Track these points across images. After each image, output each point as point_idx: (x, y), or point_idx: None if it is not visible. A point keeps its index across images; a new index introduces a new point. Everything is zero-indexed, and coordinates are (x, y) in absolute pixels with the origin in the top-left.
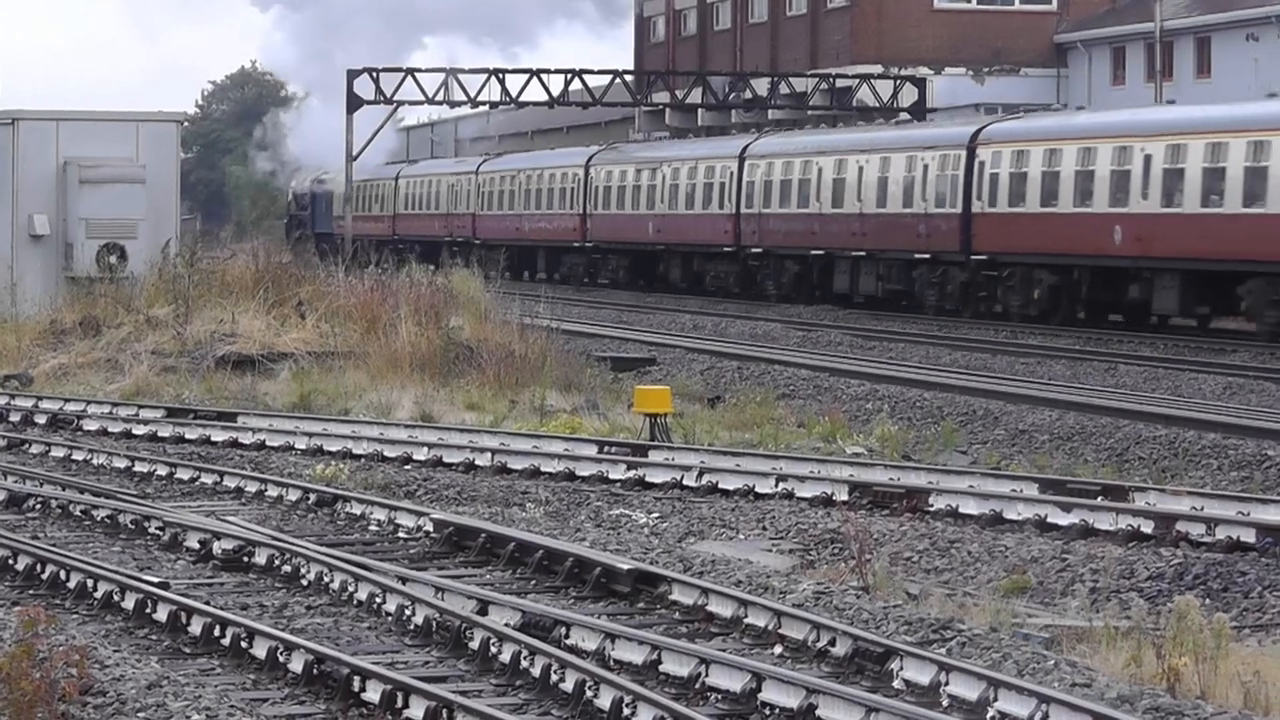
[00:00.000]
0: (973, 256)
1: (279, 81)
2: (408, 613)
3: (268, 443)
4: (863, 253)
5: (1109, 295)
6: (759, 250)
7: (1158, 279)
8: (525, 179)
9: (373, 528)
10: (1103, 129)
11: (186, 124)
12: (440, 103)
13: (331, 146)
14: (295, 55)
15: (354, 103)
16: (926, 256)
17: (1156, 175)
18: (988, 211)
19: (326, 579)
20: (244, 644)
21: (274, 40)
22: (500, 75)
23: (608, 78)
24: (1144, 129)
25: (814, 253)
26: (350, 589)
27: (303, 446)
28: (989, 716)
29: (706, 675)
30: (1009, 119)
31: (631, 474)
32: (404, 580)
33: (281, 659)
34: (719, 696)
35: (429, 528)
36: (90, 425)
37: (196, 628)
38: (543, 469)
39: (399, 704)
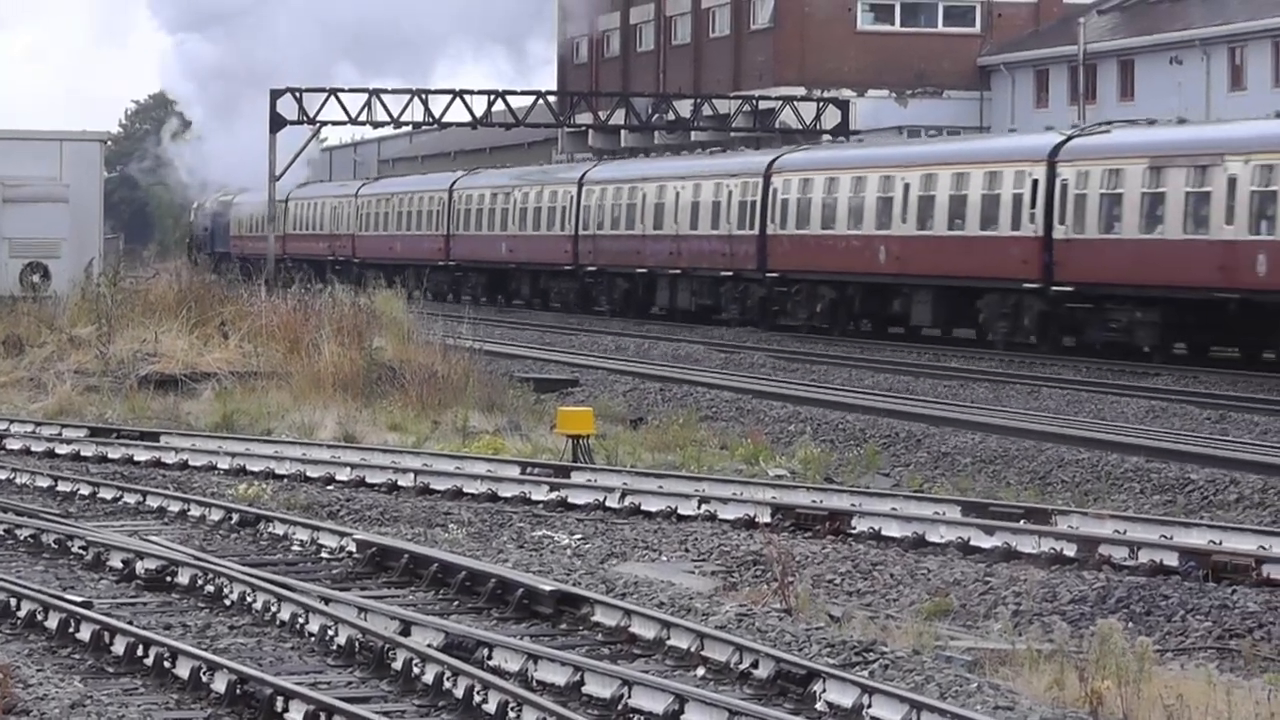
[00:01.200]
0: (767, 274)
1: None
2: (331, 633)
3: (191, 463)
4: (679, 271)
5: (877, 308)
6: (594, 269)
7: (915, 294)
8: (399, 202)
9: (295, 548)
10: (872, 160)
11: (110, 144)
12: (363, 123)
13: (229, 168)
14: (198, 79)
15: (277, 122)
16: (730, 274)
17: (913, 202)
18: (779, 233)
19: (249, 599)
20: (167, 664)
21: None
22: (423, 96)
23: (531, 98)
24: (904, 160)
25: (639, 271)
26: (273, 609)
27: (226, 466)
28: None
29: (629, 697)
30: (799, 150)
31: (554, 495)
32: (327, 601)
33: (205, 679)
34: (642, 718)
35: (352, 548)
36: (13, 444)
37: (120, 647)
38: (465, 490)
39: None
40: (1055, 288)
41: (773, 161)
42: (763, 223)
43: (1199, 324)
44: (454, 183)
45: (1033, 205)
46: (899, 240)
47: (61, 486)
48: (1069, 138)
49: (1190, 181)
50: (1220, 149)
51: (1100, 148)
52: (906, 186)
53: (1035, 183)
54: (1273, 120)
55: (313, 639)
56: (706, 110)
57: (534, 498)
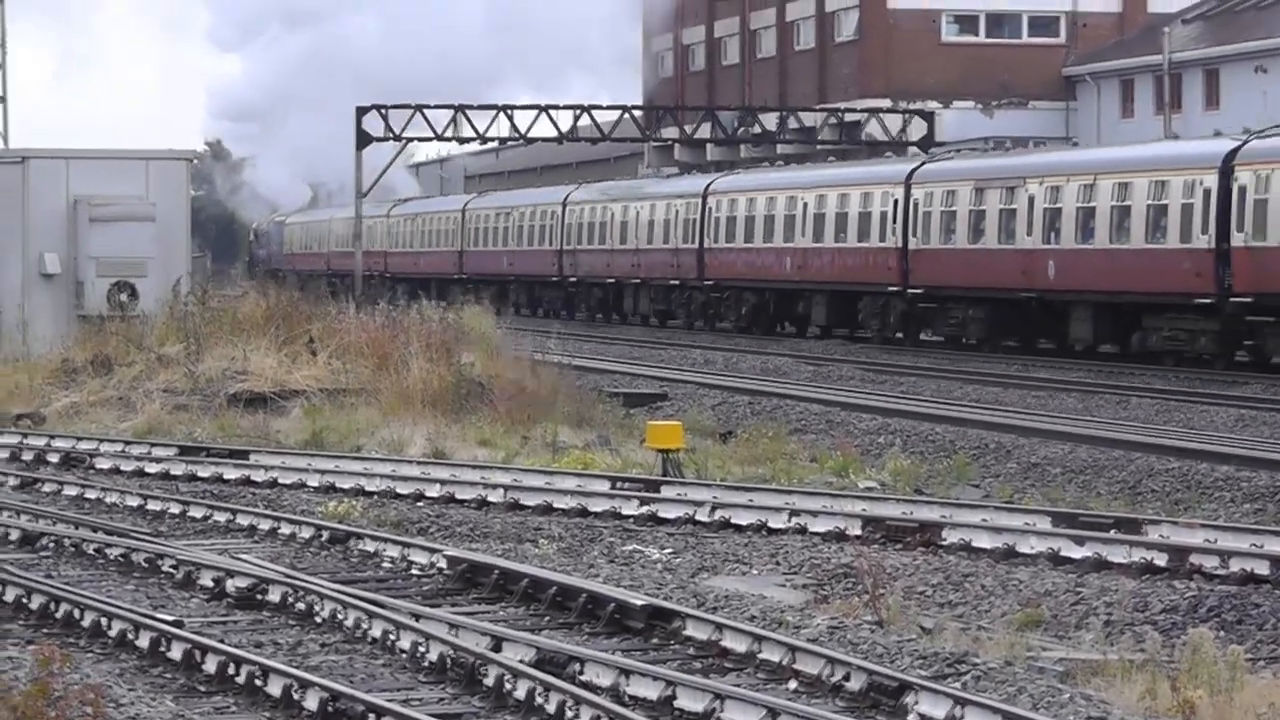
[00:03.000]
0: (705, 281)
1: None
2: (422, 650)
3: (280, 480)
4: (639, 280)
5: (787, 311)
6: (575, 279)
7: (814, 297)
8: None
9: (386, 565)
10: (783, 183)
11: (196, 162)
12: (449, 139)
13: (279, 190)
14: (238, 110)
15: (363, 139)
16: (677, 282)
17: (810, 218)
18: (712, 247)
19: (340, 616)
20: (259, 682)
21: (228, 84)
22: (509, 111)
23: (617, 113)
24: (804, 183)
25: (608, 281)
26: (364, 626)
27: (315, 484)
28: None
29: (721, 711)
30: (730, 174)
31: (644, 510)
32: (418, 617)
33: (296, 697)
34: None
35: (442, 564)
36: (103, 464)
37: (211, 666)
38: (555, 505)
39: None
40: (910, 290)
41: (708, 185)
42: (701, 237)
43: (1016, 319)
44: (465, 204)
45: (894, 221)
46: (800, 251)
47: (151, 505)
48: (922, 163)
49: (1002, 200)
50: (1022, 173)
51: (943, 171)
52: (805, 205)
53: (895, 202)
54: (1065, 150)
55: (404, 656)
56: (792, 123)
57: (624, 512)
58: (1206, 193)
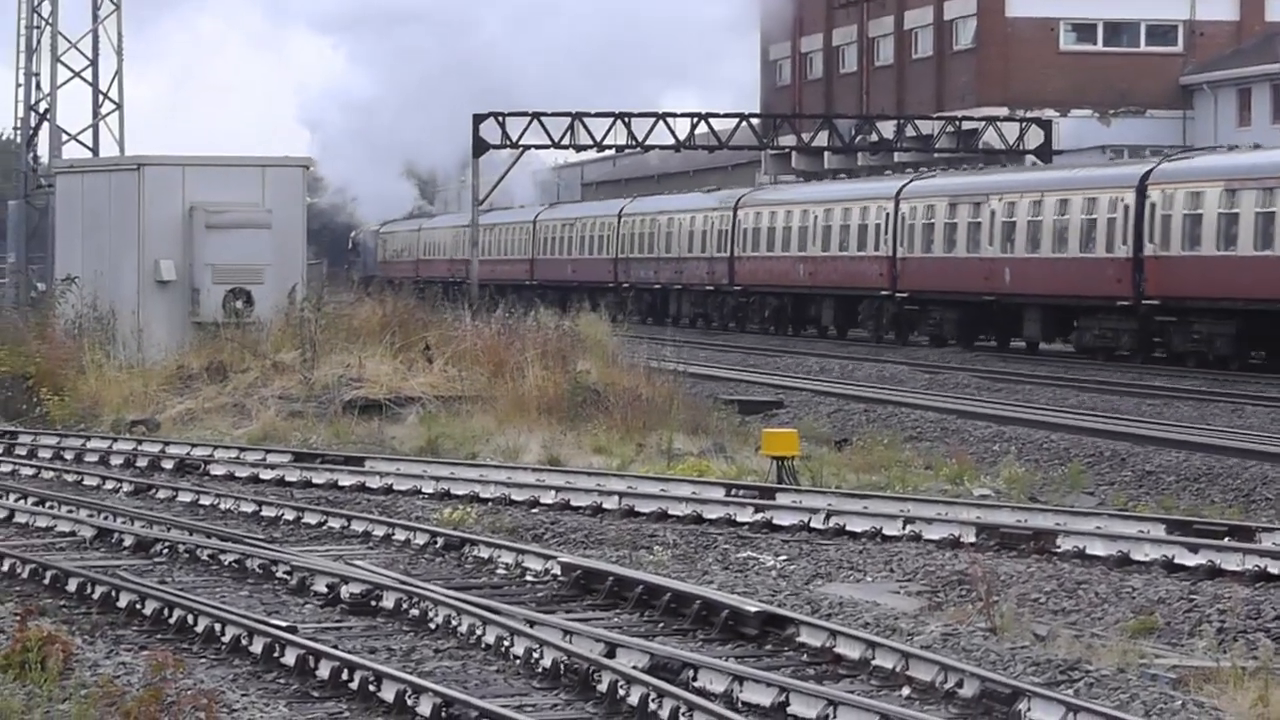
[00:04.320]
0: (734, 286)
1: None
2: (536, 655)
3: (395, 487)
4: (680, 286)
5: (802, 313)
6: (628, 285)
7: (823, 301)
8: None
9: (500, 571)
10: (799, 198)
11: (312, 169)
12: (566, 146)
13: (370, 200)
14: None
15: (479, 146)
16: (712, 288)
17: (819, 230)
18: (741, 255)
19: (454, 622)
20: (372, 687)
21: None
22: (626, 119)
23: (734, 121)
24: (816, 198)
25: (655, 286)
26: (478, 632)
27: (430, 490)
28: None
29: (834, 717)
30: (757, 190)
31: (759, 516)
32: (532, 623)
33: (410, 702)
34: None
35: (556, 571)
36: (217, 470)
37: (325, 671)
38: (670, 512)
39: None
40: (898, 294)
41: (738, 200)
42: (733, 246)
43: (983, 320)
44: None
45: (885, 232)
46: (812, 260)
47: (266, 512)
48: (910, 180)
49: (969, 214)
50: (987, 191)
51: (926, 189)
52: (815, 218)
53: (886, 215)
54: (1025, 171)
55: (518, 661)
56: (910, 131)
57: (739, 519)
58: (1126, 209)
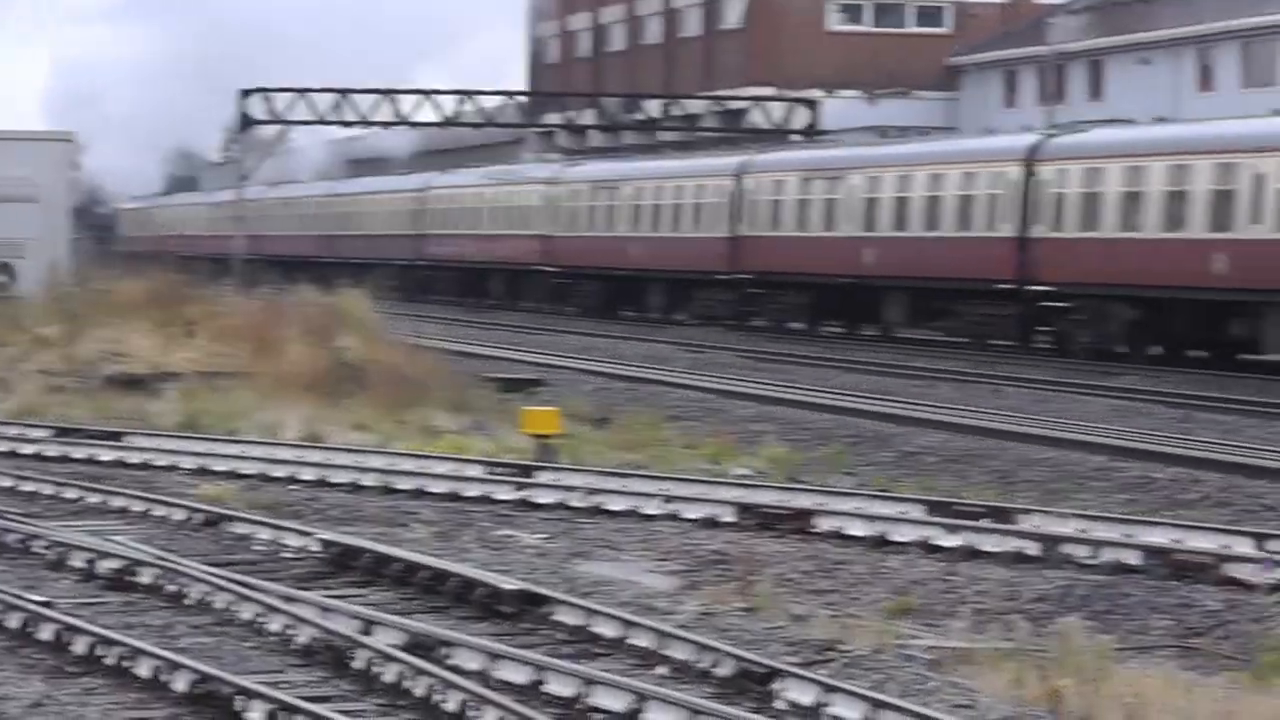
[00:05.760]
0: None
1: None
2: (292, 633)
3: (154, 462)
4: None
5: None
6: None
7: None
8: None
9: (258, 548)
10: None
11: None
12: (332, 123)
13: (134, 175)
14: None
15: (245, 122)
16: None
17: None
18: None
19: (211, 599)
20: (128, 663)
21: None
22: (392, 96)
23: (500, 99)
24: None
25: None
26: (235, 608)
27: (189, 466)
28: None
29: (590, 696)
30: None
31: (518, 495)
32: (289, 600)
33: (165, 679)
34: (602, 717)
35: (315, 547)
36: None
37: (81, 647)
38: (429, 489)
39: None
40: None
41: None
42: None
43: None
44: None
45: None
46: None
47: (24, 487)
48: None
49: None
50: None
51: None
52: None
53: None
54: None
55: (274, 639)
56: (676, 111)
57: (498, 497)
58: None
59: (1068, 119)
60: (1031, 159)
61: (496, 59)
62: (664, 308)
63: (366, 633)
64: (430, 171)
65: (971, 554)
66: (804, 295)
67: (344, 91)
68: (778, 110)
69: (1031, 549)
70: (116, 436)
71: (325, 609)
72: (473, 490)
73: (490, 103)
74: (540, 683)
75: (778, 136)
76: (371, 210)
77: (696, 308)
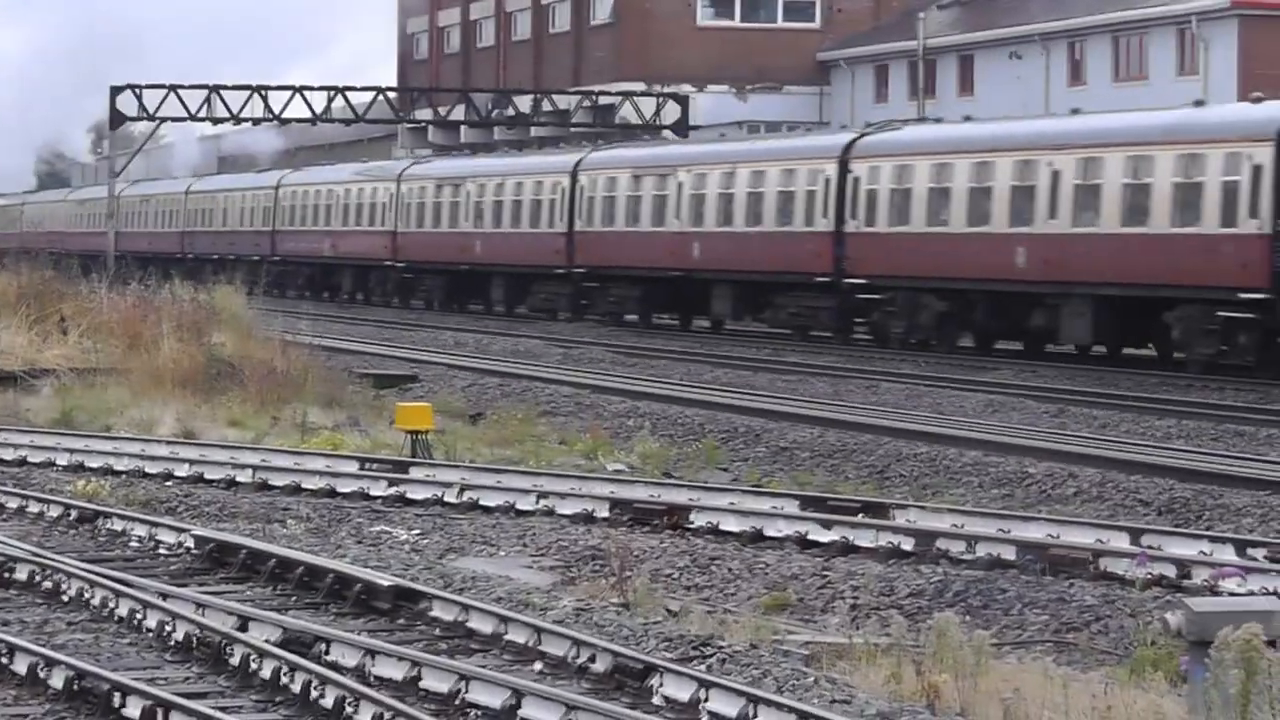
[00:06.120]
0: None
1: None
2: (169, 629)
3: (29, 459)
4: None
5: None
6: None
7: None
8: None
9: (134, 544)
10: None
11: None
12: (203, 119)
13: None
14: None
15: (116, 119)
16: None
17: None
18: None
19: (87, 595)
20: (4, 660)
21: None
22: (263, 92)
23: (371, 94)
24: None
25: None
26: (111, 605)
27: (64, 463)
28: None
29: (466, 691)
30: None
31: (393, 490)
32: (165, 596)
33: (42, 675)
34: (479, 713)
35: (190, 544)
36: None
37: None
38: (304, 486)
39: None
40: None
41: (402, 171)
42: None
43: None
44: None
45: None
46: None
47: None
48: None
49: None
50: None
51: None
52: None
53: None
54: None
55: (151, 635)
56: (547, 106)
57: (372, 493)
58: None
59: (937, 114)
60: (847, 157)
61: (367, 55)
62: (506, 301)
63: (243, 629)
64: (288, 169)
65: (847, 549)
66: (636, 288)
67: (215, 88)
68: (649, 105)
69: (907, 544)
70: None
71: (201, 605)
72: (348, 486)
73: (360, 99)
74: (417, 678)
75: (649, 132)
76: (226, 207)
77: (536, 301)
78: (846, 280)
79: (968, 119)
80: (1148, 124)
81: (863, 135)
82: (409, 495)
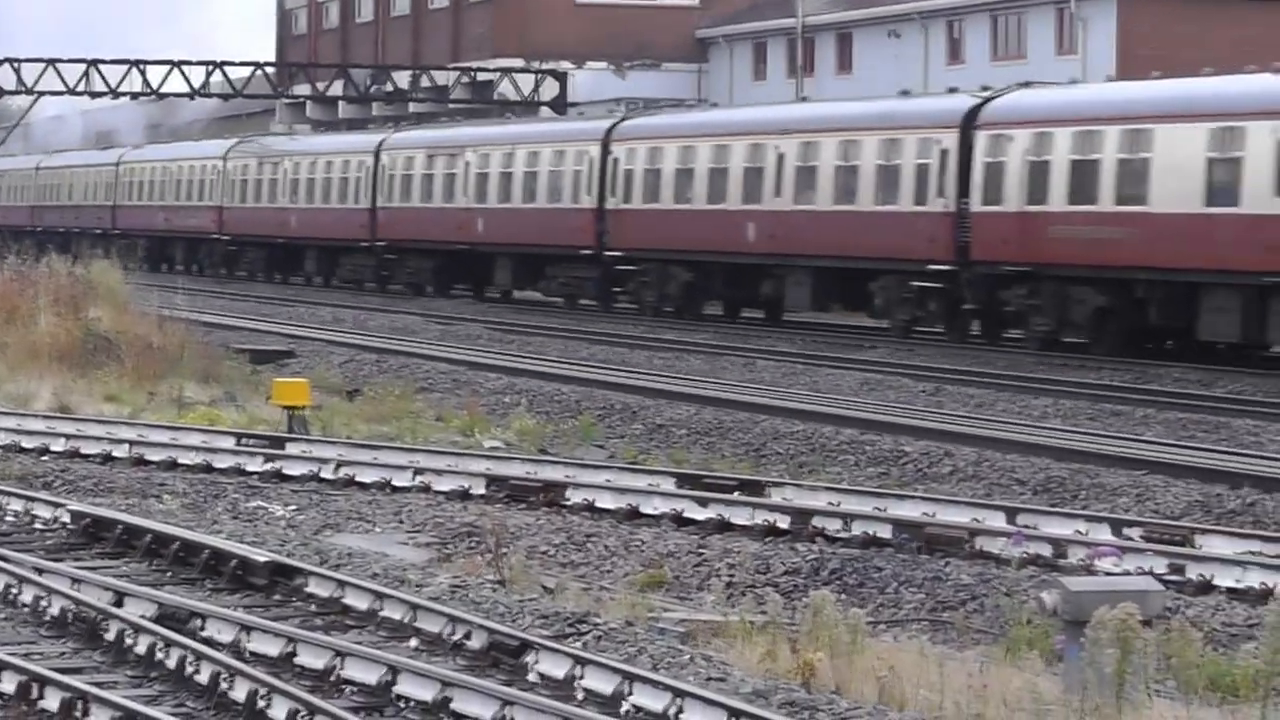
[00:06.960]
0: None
1: None
2: (44, 604)
3: None
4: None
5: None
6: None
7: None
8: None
9: (9, 519)
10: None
11: None
12: (81, 93)
13: None
14: None
15: None
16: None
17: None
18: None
19: None
20: None
21: None
22: (141, 66)
23: (249, 69)
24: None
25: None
26: None
27: None
28: (624, 710)
29: (342, 668)
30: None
31: (269, 466)
32: (40, 571)
33: None
34: (354, 689)
35: (66, 519)
36: None
37: None
38: (180, 461)
39: (34, 695)
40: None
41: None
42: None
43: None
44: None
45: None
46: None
47: None
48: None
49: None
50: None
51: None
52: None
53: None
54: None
55: (26, 610)
56: (425, 82)
57: (249, 469)
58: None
59: (815, 93)
60: (609, 139)
61: (246, 30)
62: (320, 273)
63: (118, 604)
64: (138, 145)
65: (723, 527)
66: (430, 260)
67: (93, 62)
68: (527, 82)
69: (783, 522)
70: None
71: (77, 580)
72: (224, 462)
73: (240, 74)
74: (292, 654)
75: (526, 108)
76: (72, 182)
77: (344, 273)
78: (607, 253)
79: (714, 105)
80: (859, 112)
81: (624, 119)
82: (285, 471)
